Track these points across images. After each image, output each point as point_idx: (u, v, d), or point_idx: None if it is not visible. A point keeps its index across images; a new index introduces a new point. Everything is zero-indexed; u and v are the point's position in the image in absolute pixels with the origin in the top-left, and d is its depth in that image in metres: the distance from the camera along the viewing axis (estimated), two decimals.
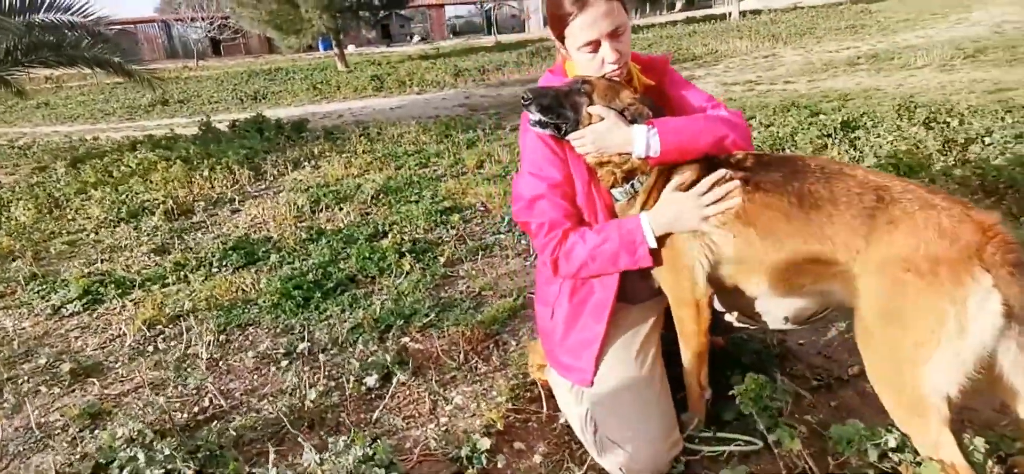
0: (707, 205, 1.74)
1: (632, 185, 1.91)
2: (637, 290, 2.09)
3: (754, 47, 15.12)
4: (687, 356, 2.00)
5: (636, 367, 2.00)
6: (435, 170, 6.17)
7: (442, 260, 3.75)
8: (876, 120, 5.58)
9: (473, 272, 3.61)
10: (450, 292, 3.39)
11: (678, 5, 48.90)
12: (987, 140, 4.60)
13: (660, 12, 43.56)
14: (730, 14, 27.87)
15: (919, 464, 1.54)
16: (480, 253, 3.85)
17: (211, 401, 2.59)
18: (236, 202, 5.72)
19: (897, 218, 1.47)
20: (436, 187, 5.42)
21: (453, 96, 12.98)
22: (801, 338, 2.57)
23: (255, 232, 4.76)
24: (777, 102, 7.81)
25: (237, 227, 4.95)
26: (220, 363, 2.92)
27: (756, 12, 27.50)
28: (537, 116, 1.87)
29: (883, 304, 1.48)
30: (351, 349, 2.90)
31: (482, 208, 4.71)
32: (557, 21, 1.85)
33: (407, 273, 3.58)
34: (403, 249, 3.88)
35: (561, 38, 1.87)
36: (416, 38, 45.73)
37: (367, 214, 4.90)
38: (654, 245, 1.82)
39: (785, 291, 1.77)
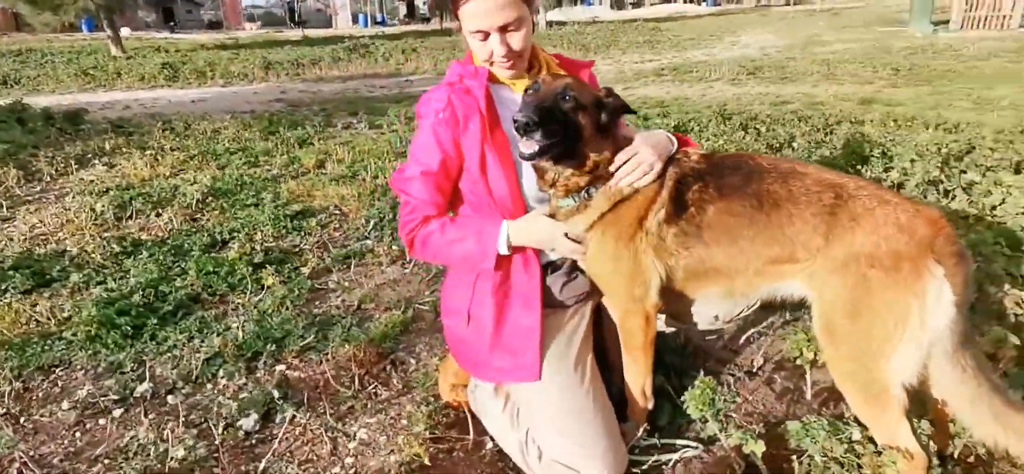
0: (567, 247, 1.79)
1: (588, 191, 1.76)
2: (562, 295, 1.96)
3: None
4: (634, 369, 1.90)
5: (577, 379, 1.85)
6: (268, 170, 5.48)
7: (306, 271, 3.27)
8: (702, 124, 6.12)
9: (346, 283, 3.20)
10: (324, 307, 2.95)
11: None
12: (795, 145, 5.25)
13: None
14: (538, 24, 29.34)
15: (879, 453, 1.59)
16: (349, 261, 3.43)
17: None
18: (4, 209, 4.52)
19: (858, 215, 1.50)
20: (275, 188, 4.79)
21: (266, 91, 11.84)
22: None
23: (40, 246, 3.77)
24: None
25: (12, 240, 3.88)
26: (22, 420, 2.20)
27: (561, 23, 29.27)
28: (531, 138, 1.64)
29: (849, 300, 1.49)
30: (212, 385, 2.37)
31: (338, 212, 4.24)
32: (452, 1, 1.74)
33: (268, 288, 3.05)
34: (255, 260, 3.32)
35: (457, 18, 1.76)
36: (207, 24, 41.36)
37: (196, 220, 4.15)
38: (505, 253, 1.82)
39: (739, 294, 1.75)
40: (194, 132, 7.22)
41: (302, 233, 3.84)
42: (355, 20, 42.87)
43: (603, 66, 13.64)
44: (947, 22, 17.24)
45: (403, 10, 47.94)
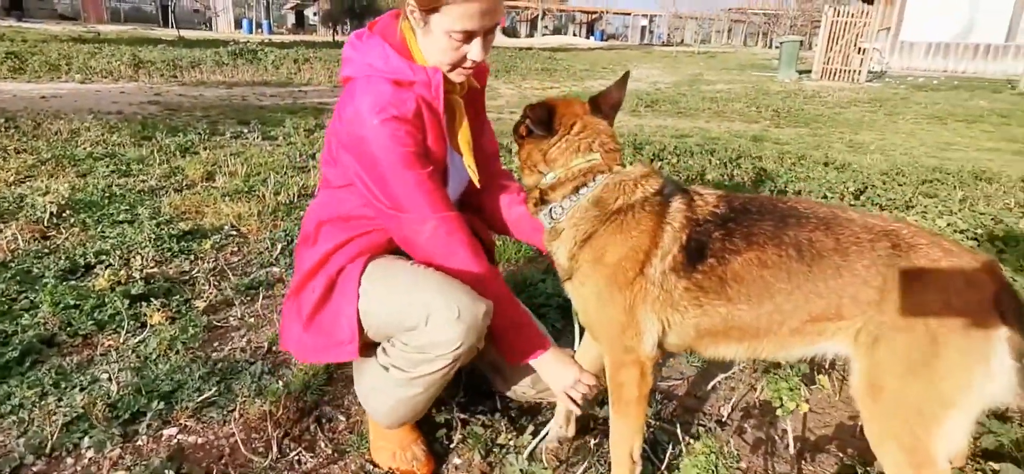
0: (572, 393, 1.73)
1: (550, 211, 1.60)
2: None
3: None
4: (623, 427, 1.64)
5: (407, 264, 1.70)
6: (143, 181, 4.73)
7: (201, 305, 2.74)
8: None
9: (252, 320, 2.70)
10: (226, 351, 2.45)
11: None
12: (708, 177, 5.35)
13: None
14: None
15: None
16: (254, 292, 2.93)
17: None
18: None
19: (922, 268, 1.34)
20: (155, 203, 4.11)
21: (136, 92, 10.59)
22: (667, 377, 2.45)
23: None
24: (509, 128, 8.13)
25: None
26: None
27: None
28: None
29: (907, 360, 1.33)
30: (73, 459, 1.83)
31: (235, 232, 3.68)
32: None
33: (151, 327, 2.49)
34: (132, 291, 2.73)
35: (431, 9, 1.50)
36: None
37: (48, 238, 3.42)
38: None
39: (765, 355, 1.55)
40: (46, 132, 6.19)
41: (192, 257, 3.26)
42: (238, 25, 40.37)
43: (506, 90, 13.63)
44: (809, 71, 19.05)
45: (292, 18, 45.89)
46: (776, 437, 2.10)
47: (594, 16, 54.92)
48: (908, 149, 7.94)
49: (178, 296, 2.81)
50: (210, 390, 2.14)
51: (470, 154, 1.75)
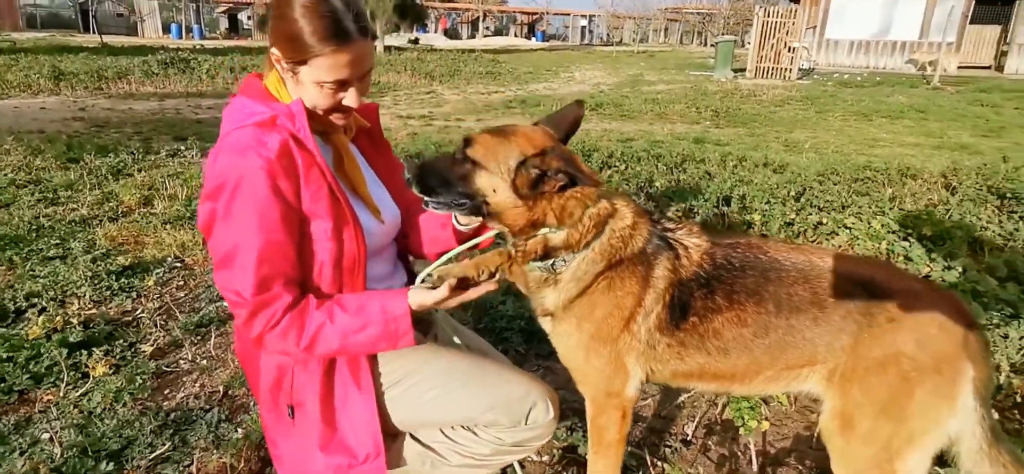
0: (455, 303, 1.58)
1: (553, 264, 1.50)
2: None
3: (413, 83, 15.69)
4: (601, 467, 1.66)
5: (462, 350, 1.73)
6: (74, 209, 4.47)
7: (148, 349, 2.60)
8: None
9: (204, 361, 2.59)
10: (178, 398, 2.34)
11: None
12: (655, 184, 5.48)
13: None
14: (374, 47, 28.66)
15: None
16: (204, 331, 2.81)
17: None
18: None
19: (896, 314, 1.40)
20: (88, 234, 3.89)
21: (58, 106, 10.00)
22: None
23: None
24: (458, 138, 8.11)
25: None
26: None
27: (400, 49, 28.87)
28: (427, 198, 1.49)
29: (880, 400, 1.39)
30: None
31: (179, 264, 3.53)
32: (301, 49, 1.43)
33: (94, 378, 2.35)
34: (70, 338, 2.57)
35: (298, 62, 1.45)
36: None
37: None
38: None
39: (738, 393, 1.59)
40: None
41: (134, 295, 3.10)
42: (166, 30, 38.66)
43: (451, 95, 13.55)
44: (744, 70, 19.74)
45: (225, 23, 44.31)
46: (739, 453, 2.17)
47: (535, 17, 55.34)
48: (839, 146, 8.33)
49: (121, 341, 2.67)
50: (163, 445, 2.04)
51: (366, 194, 1.66)
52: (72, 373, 2.39)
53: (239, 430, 2.13)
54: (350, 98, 1.51)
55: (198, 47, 24.91)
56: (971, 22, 21.83)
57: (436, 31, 47.02)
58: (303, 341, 1.46)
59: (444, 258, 1.61)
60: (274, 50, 1.48)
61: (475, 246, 1.70)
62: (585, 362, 1.54)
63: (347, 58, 1.44)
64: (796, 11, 19.95)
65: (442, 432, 1.67)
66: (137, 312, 2.95)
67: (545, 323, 1.60)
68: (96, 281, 3.15)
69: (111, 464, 1.93)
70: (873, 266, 1.54)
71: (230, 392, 2.39)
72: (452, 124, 9.83)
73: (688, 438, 2.24)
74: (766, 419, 2.07)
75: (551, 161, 1.38)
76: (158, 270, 3.38)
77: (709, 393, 1.75)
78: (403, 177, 1.53)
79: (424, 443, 1.69)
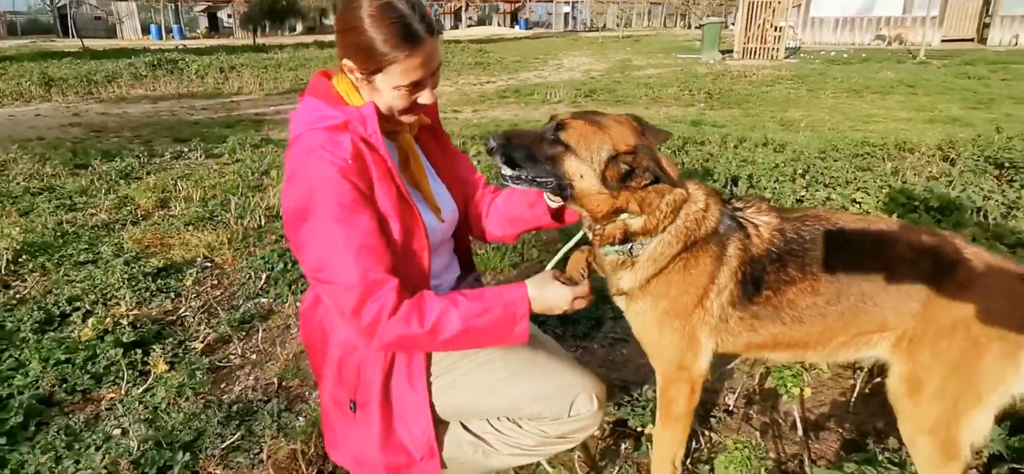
0: (577, 306, 1.62)
1: (630, 248, 1.58)
2: None
3: None
4: (668, 438, 1.74)
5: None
6: (93, 214, 4.49)
7: (198, 347, 2.67)
8: None
9: (253, 356, 2.66)
10: (236, 391, 2.42)
11: (299, 28, 48.03)
12: None
13: (282, 32, 41.98)
14: None
15: None
16: (248, 327, 2.88)
17: None
18: None
19: (967, 280, 1.49)
20: (114, 239, 3.93)
21: (52, 113, 9.93)
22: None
23: None
24: (459, 130, 8.15)
25: None
26: None
27: None
28: (508, 171, 1.55)
29: (950, 362, 1.49)
30: None
31: (210, 264, 3.58)
32: (375, 58, 1.47)
33: (154, 376, 2.41)
34: (122, 337, 2.63)
35: (373, 71, 1.49)
36: None
37: (10, 288, 3.23)
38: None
39: (810, 361, 1.67)
40: None
41: (173, 295, 3.16)
42: (145, 31, 38.16)
43: (444, 86, 13.56)
44: (731, 51, 19.87)
45: (204, 22, 43.78)
46: (780, 420, 2.28)
47: (517, 4, 55.11)
48: (834, 124, 8.47)
49: (171, 339, 2.73)
50: (232, 435, 2.12)
51: (429, 192, 1.72)
52: (130, 371, 2.45)
53: (300, 419, 2.21)
54: (425, 96, 1.56)
55: (181, 47, 24.66)
56: None
57: None
58: (427, 324, 1.48)
59: (561, 253, 1.72)
60: (346, 62, 1.52)
61: (581, 241, 1.73)
62: (659, 337, 1.62)
63: (420, 59, 1.48)
64: None
65: (489, 423, 1.72)
66: (180, 311, 3.01)
67: (619, 301, 1.68)
68: (134, 283, 3.20)
69: (186, 454, 2.00)
70: (938, 236, 1.62)
71: (284, 384, 2.46)
72: (449, 115, 9.86)
73: (730, 408, 2.35)
74: (807, 386, 2.18)
75: (641, 159, 1.46)
76: (190, 270, 3.43)
77: (780, 362, 1.83)
78: (485, 145, 1.59)
79: (474, 433, 1.73)
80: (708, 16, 28.36)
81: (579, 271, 1.67)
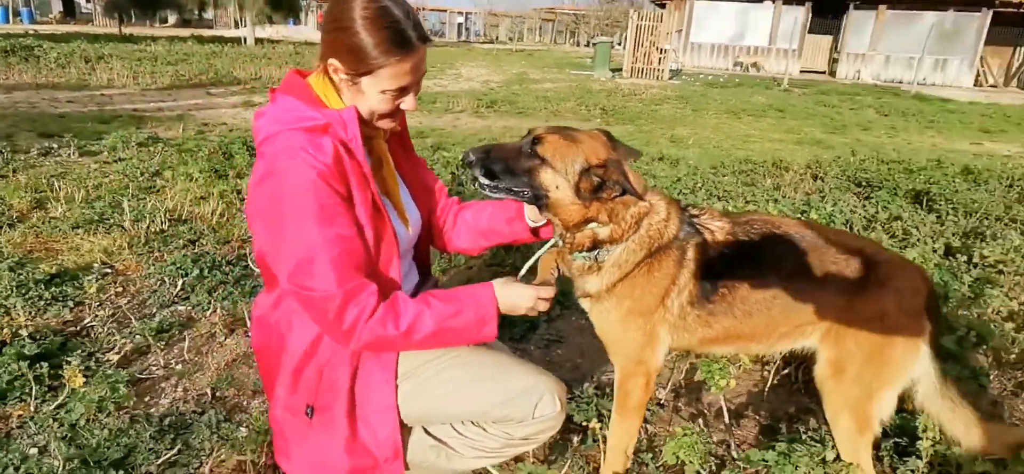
0: (542, 306, 1.68)
1: (596, 255, 1.70)
2: None
3: None
4: (623, 429, 1.88)
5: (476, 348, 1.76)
6: None
7: (115, 358, 2.46)
8: None
9: (179, 366, 2.49)
10: (162, 403, 2.26)
11: (171, 19, 44.60)
12: None
13: (151, 23, 38.78)
14: (245, 40, 26.99)
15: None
16: (168, 336, 2.68)
17: None
18: None
19: (885, 278, 1.72)
20: None
21: None
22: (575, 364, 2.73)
23: None
24: None
25: None
26: None
27: (274, 41, 27.41)
28: (486, 182, 1.62)
29: (869, 349, 1.71)
30: None
31: (110, 270, 3.29)
32: (365, 60, 1.46)
33: (69, 390, 2.19)
34: (25, 350, 2.36)
35: (362, 73, 1.49)
36: None
37: None
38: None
39: (751, 353, 1.86)
40: None
41: (73, 304, 2.87)
42: None
43: None
44: (620, 70, 20.96)
45: (59, 6, 39.53)
46: (705, 410, 2.49)
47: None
48: (718, 142, 9.22)
49: (80, 351, 2.49)
50: (168, 450, 1.99)
51: (398, 200, 1.73)
52: (38, 386, 2.21)
53: (242, 429, 2.11)
54: (408, 102, 1.58)
55: (32, 32, 22.12)
56: (809, 32, 24.72)
57: (305, 23, 45.05)
58: (402, 325, 1.50)
59: (532, 260, 1.79)
60: (333, 61, 1.50)
61: (554, 246, 1.78)
62: (622, 334, 1.75)
63: (410, 65, 1.49)
64: (664, 15, 21.49)
65: (452, 427, 1.75)
66: (86, 320, 2.75)
67: (584, 302, 1.79)
68: (24, 291, 2.87)
69: (119, 472, 1.85)
70: (859, 240, 1.88)
71: (218, 394, 2.34)
72: None
73: (661, 401, 2.53)
74: (734, 378, 2.40)
75: (612, 173, 1.57)
76: (89, 277, 3.13)
77: (725, 354, 2.02)
78: (463, 159, 1.63)
79: (436, 437, 1.76)
80: (598, 35, 29.70)
81: (549, 271, 1.76)
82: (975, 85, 23.33)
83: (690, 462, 1.84)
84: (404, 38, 1.46)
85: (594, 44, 22.06)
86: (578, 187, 1.59)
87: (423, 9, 56.43)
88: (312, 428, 1.66)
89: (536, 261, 1.83)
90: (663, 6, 25.88)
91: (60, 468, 1.83)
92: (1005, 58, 24.71)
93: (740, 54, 24.87)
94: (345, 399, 1.63)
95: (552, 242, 1.79)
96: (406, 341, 1.54)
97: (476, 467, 1.82)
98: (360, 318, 1.46)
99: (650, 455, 2.11)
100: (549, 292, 1.69)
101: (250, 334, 1.75)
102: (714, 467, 2.09)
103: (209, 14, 40.02)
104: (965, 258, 3.90)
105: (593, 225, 1.67)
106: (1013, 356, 2.90)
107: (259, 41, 27.12)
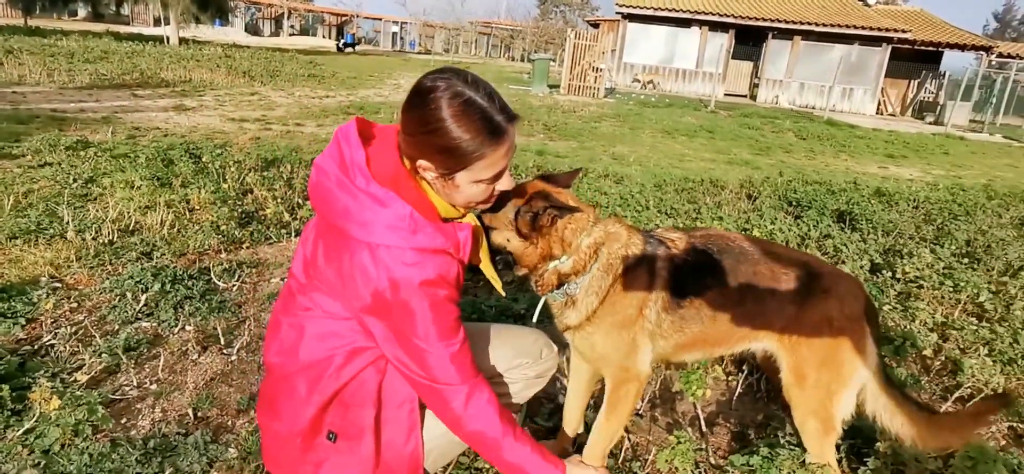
0: None
1: (565, 290, 1.84)
2: None
3: (231, 82, 14.44)
4: (609, 429, 1.99)
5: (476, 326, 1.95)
6: None
7: (83, 378, 2.32)
8: None
9: (153, 386, 2.38)
10: (142, 425, 2.16)
11: (82, 12, 41.87)
12: None
13: (59, 16, 36.23)
14: (168, 38, 25.71)
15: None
16: (137, 354, 2.56)
17: None
18: None
19: (828, 287, 1.90)
20: None
21: None
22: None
23: None
24: (307, 145, 7.84)
25: None
26: None
27: (201, 43, 26.25)
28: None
29: (820, 353, 1.88)
30: None
31: (59, 285, 3.10)
32: (459, 157, 1.44)
33: (41, 414, 2.06)
34: None
35: (456, 170, 1.47)
36: None
37: None
38: None
39: (715, 356, 2.00)
40: None
41: (24, 321, 2.69)
42: None
43: (279, 97, 12.83)
44: (557, 86, 21.40)
45: None
46: (680, 419, 2.62)
47: (344, 18, 53.71)
48: (656, 160, 9.60)
49: (42, 371, 2.35)
50: None
51: (490, 266, 1.77)
52: (0, 411, 2.07)
53: (231, 450, 2.06)
54: (504, 182, 1.55)
55: None
56: (733, 58, 26.11)
57: (232, 25, 43.41)
58: (496, 435, 1.61)
59: (539, 305, 1.94)
60: (423, 163, 1.46)
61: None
62: (610, 348, 1.87)
63: (504, 150, 1.47)
64: (598, 35, 22.15)
65: None
66: (44, 339, 2.58)
67: (567, 335, 1.94)
68: None
69: None
70: (803, 253, 2.07)
71: (200, 414, 2.26)
72: (293, 128, 9.41)
73: (639, 411, 2.65)
74: (708, 388, 2.55)
75: (536, 203, 1.70)
76: (37, 292, 2.95)
77: (694, 361, 2.15)
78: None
79: None
80: (534, 51, 30.20)
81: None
82: (877, 113, 25.34)
83: (684, 469, 1.96)
84: (494, 125, 1.44)
85: (532, 60, 22.40)
86: (519, 230, 1.73)
87: (357, 17, 55.62)
88: (334, 450, 1.67)
89: (542, 306, 1.96)
90: (596, 26, 26.67)
91: None
92: (902, 90, 27.02)
93: (638, 72, 26.05)
94: (371, 429, 1.66)
95: (539, 307, 1.95)
96: (484, 449, 1.64)
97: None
98: (477, 410, 1.59)
99: (638, 464, 2.22)
100: None
101: (267, 352, 1.70)
102: (697, 472, 2.22)
103: (125, 10, 37.84)
104: (889, 273, 4.27)
105: (554, 263, 1.79)
106: (938, 364, 3.21)
107: (183, 41, 25.92)
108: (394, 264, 1.44)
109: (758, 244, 2.01)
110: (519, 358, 1.91)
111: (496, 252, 1.77)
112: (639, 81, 25.51)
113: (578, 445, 2.26)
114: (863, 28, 24.00)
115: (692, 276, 1.89)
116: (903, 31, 23.89)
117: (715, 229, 2.08)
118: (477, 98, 1.42)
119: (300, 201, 4.96)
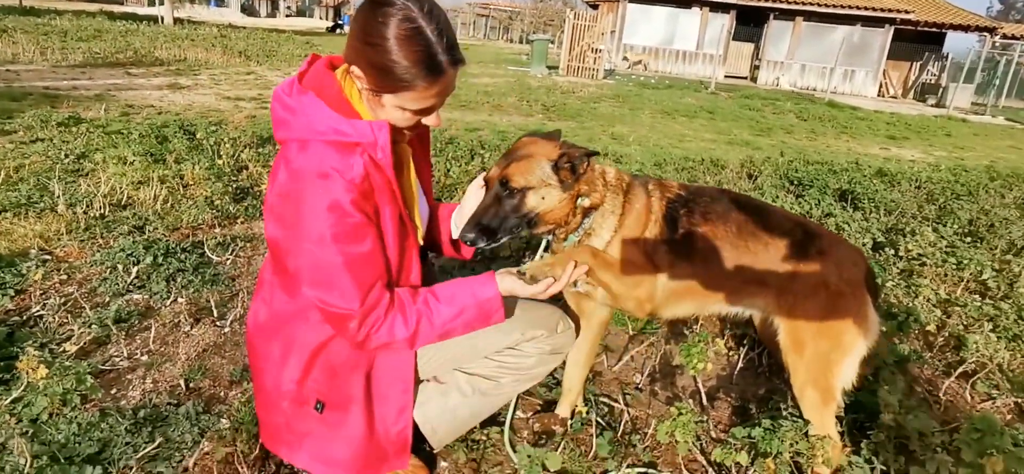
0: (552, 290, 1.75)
1: (584, 226, 1.86)
2: None
3: (227, 62, 14.29)
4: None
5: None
6: None
7: (72, 349, 2.28)
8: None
9: (144, 357, 2.34)
10: (132, 395, 2.12)
11: None
12: None
13: None
14: (162, 18, 25.44)
15: (812, 446, 1.96)
16: (127, 326, 2.51)
17: None
18: None
19: (825, 249, 1.85)
20: None
21: None
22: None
23: None
24: None
25: None
26: None
27: (197, 23, 25.98)
28: (491, 243, 1.74)
29: (818, 318, 1.83)
30: None
31: (49, 258, 3.04)
32: (391, 80, 1.41)
33: (29, 383, 2.01)
34: None
35: (385, 91, 1.44)
36: None
37: None
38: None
39: (706, 313, 1.97)
40: None
41: (13, 292, 2.64)
42: None
43: (275, 77, 12.70)
44: (556, 67, 21.22)
45: None
46: (680, 394, 2.59)
47: (341, 0, 53.21)
48: (656, 141, 9.51)
49: (30, 341, 2.30)
50: (146, 444, 1.87)
51: (415, 205, 1.71)
52: None
53: (223, 420, 2.02)
54: (430, 119, 1.54)
55: None
56: (733, 39, 25.88)
57: (228, 5, 42.99)
58: (407, 333, 1.54)
59: (538, 256, 1.89)
60: (356, 70, 1.43)
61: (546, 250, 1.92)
62: (620, 276, 1.85)
63: (437, 90, 1.44)
64: (598, 17, 21.95)
65: (489, 358, 1.81)
66: (33, 310, 2.53)
67: (581, 285, 1.93)
68: None
69: (95, 468, 1.73)
70: (798, 216, 2.03)
71: (192, 385, 2.22)
72: None
73: (639, 386, 2.61)
74: (709, 362, 2.51)
75: (573, 152, 1.76)
76: (27, 264, 2.89)
77: (688, 315, 2.12)
78: (463, 237, 1.72)
79: (476, 373, 1.81)
80: (532, 32, 29.95)
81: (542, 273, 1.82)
82: (879, 95, 25.19)
83: (684, 441, 1.92)
84: (435, 63, 1.40)
85: (531, 41, 22.21)
86: (562, 182, 1.74)
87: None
88: (321, 421, 1.64)
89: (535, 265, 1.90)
90: (595, 7, 26.42)
91: (27, 465, 1.69)
92: (904, 72, 26.83)
93: (627, 53, 25.86)
94: (361, 403, 1.63)
95: (541, 250, 1.91)
96: (411, 346, 1.60)
97: (515, 393, 1.89)
98: (373, 328, 1.51)
99: (637, 437, 2.18)
100: (541, 288, 1.72)
101: (248, 320, 1.68)
102: (698, 445, 2.18)
103: None
104: (892, 251, 4.23)
105: (579, 200, 1.82)
106: (941, 340, 3.17)
107: (178, 21, 25.66)
108: (295, 155, 1.42)
109: (755, 201, 1.98)
110: (533, 329, 1.81)
111: (522, 217, 1.73)
112: (627, 60, 25.36)
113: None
114: (866, 9, 23.79)
115: (683, 211, 1.90)
116: (906, 12, 23.68)
117: (712, 187, 2.08)
118: (426, 29, 1.37)
119: None
